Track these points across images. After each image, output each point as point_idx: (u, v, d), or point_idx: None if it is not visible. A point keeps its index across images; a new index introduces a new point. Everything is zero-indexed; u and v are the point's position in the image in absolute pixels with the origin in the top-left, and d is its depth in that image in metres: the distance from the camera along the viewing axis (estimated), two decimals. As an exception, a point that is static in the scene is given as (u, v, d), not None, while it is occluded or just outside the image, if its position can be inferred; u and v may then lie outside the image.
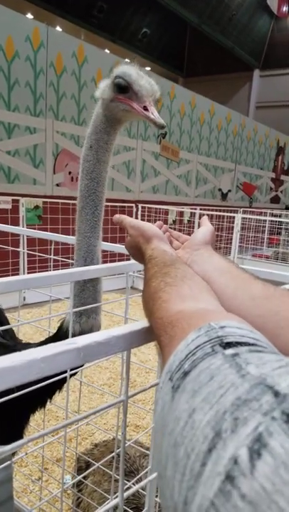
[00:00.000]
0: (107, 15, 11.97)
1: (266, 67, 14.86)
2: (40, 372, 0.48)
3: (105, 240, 1.31)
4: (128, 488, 0.87)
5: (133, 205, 6.27)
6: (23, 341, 1.45)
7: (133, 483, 1.27)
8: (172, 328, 0.44)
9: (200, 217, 3.08)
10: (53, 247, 1.76)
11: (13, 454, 1.24)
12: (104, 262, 1.26)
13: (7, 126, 4.87)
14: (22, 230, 3.60)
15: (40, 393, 0.89)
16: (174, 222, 6.90)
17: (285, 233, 8.84)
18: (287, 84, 14.34)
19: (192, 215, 7.04)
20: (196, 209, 7.00)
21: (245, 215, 7.50)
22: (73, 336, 1.12)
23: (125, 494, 0.78)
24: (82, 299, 1.18)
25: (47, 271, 1.14)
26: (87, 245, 1.19)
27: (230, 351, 0.33)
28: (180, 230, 0.86)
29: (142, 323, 0.61)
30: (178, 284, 0.54)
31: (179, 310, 0.48)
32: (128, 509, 1.21)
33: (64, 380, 1.10)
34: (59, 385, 1.20)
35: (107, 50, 8.67)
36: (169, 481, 0.29)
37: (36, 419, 1.58)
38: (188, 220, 7.09)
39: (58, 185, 5.54)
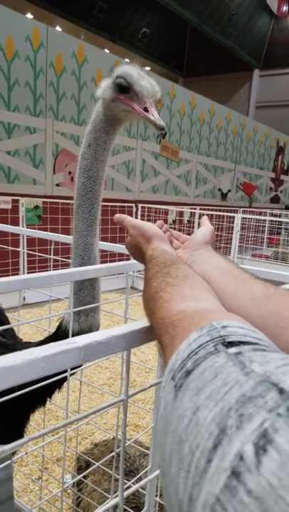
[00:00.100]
0: (107, 15, 11.97)
1: (266, 67, 14.85)
2: (41, 372, 0.48)
3: (105, 239, 1.32)
4: (128, 488, 0.88)
5: (133, 205, 6.27)
6: (23, 341, 1.45)
7: (133, 483, 1.27)
8: (173, 328, 0.44)
9: (200, 217, 3.08)
10: (52, 247, 1.76)
11: (14, 454, 1.25)
12: (104, 261, 1.26)
13: (7, 126, 4.87)
14: (22, 230, 3.60)
15: (40, 392, 0.90)
16: (174, 222, 6.90)
17: (285, 233, 8.85)
18: (287, 84, 14.34)
19: (192, 215, 7.04)
20: (195, 209, 7.00)
21: (245, 215, 7.51)
22: (72, 335, 1.12)
23: (125, 493, 0.78)
24: (80, 298, 1.18)
25: (47, 271, 1.14)
26: (84, 243, 1.19)
27: (233, 350, 0.33)
28: (180, 230, 0.86)
29: (142, 322, 0.61)
30: (179, 284, 0.54)
31: (180, 310, 0.48)
32: (128, 508, 1.21)
33: (63, 379, 1.11)
34: (59, 383, 1.20)
35: (107, 50, 8.67)
36: (173, 478, 0.29)
37: (36, 418, 1.59)
38: (188, 220, 7.09)
39: (57, 185, 5.54)
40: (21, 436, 1.33)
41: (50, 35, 5.17)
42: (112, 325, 3.38)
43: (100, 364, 3.27)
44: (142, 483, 0.91)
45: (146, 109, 1.06)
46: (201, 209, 7.10)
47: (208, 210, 7.43)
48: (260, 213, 9.38)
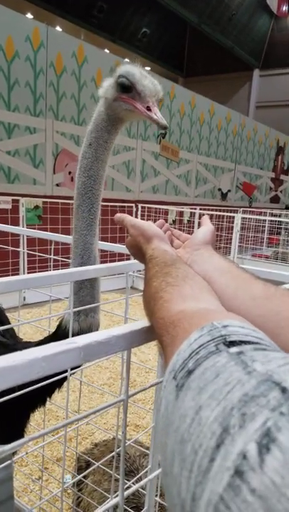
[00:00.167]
0: (107, 15, 11.97)
1: (266, 67, 14.85)
2: (41, 372, 0.48)
3: (105, 239, 1.32)
4: (128, 488, 0.88)
5: (133, 205, 6.27)
6: (23, 341, 1.45)
7: (133, 483, 1.27)
8: (174, 328, 0.44)
9: (200, 217, 3.08)
10: (52, 247, 1.76)
11: (14, 454, 1.25)
12: (104, 261, 1.26)
13: (7, 126, 4.87)
14: (22, 230, 3.60)
15: (40, 392, 0.90)
16: (174, 222, 6.90)
17: (285, 233, 8.85)
18: (287, 84, 14.34)
19: (192, 215, 7.04)
20: (195, 209, 7.00)
21: (244, 215, 7.51)
22: (72, 334, 1.12)
23: (125, 493, 0.78)
24: (80, 297, 1.18)
25: (47, 271, 1.14)
26: (83, 243, 1.19)
27: (234, 349, 0.33)
28: (180, 230, 0.86)
29: (142, 322, 0.61)
30: (179, 284, 0.54)
31: (181, 310, 0.48)
32: (128, 508, 1.21)
33: (63, 379, 1.11)
34: (59, 383, 1.21)
35: (107, 50, 8.67)
36: (175, 478, 0.29)
37: (36, 418, 1.59)
38: (188, 220, 7.09)
39: (57, 185, 5.54)
40: (21, 436, 1.33)
41: (50, 35, 5.17)
42: (112, 325, 3.38)
43: (100, 364, 3.27)
44: (142, 483, 0.91)
45: (148, 108, 1.06)
46: (201, 209, 7.11)
47: (208, 210, 7.43)
48: (260, 213, 9.38)
